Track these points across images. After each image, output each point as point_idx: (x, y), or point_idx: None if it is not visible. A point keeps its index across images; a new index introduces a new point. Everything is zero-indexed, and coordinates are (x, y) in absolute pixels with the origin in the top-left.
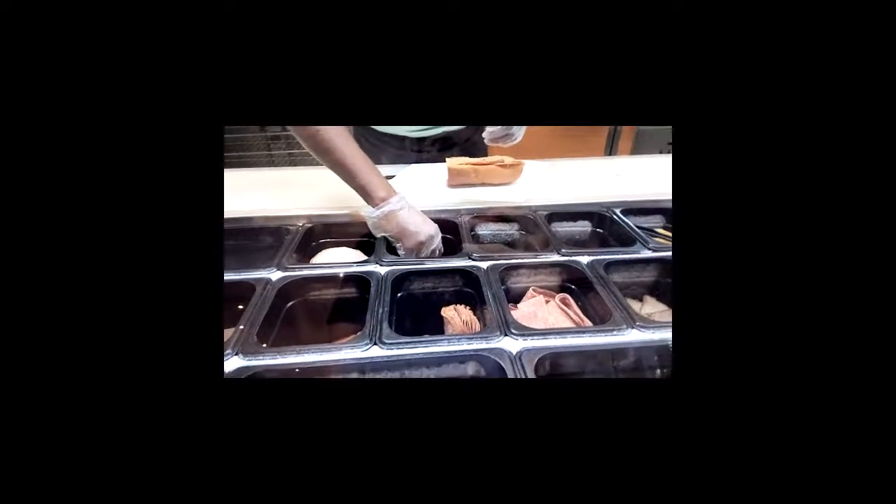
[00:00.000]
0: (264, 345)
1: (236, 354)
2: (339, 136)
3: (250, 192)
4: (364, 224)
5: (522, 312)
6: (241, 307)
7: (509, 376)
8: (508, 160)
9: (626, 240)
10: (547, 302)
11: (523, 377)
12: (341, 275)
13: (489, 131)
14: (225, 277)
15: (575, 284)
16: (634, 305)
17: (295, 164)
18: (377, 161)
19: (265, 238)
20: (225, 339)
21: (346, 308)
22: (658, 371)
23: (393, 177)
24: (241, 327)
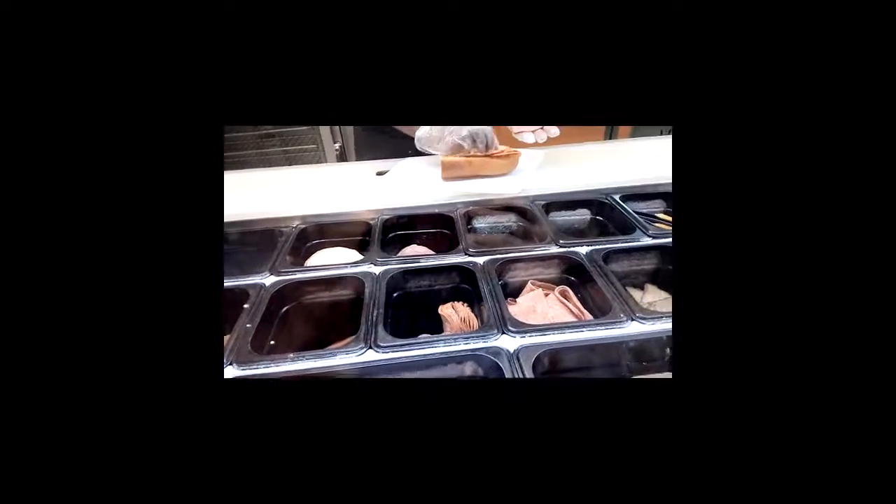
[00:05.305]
0: (259, 353)
1: (230, 364)
2: None
3: (242, 194)
4: (359, 223)
5: (521, 307)
6: (236, 313)
7: (507, 375)
8: (503, 150)
9: (626, 227)
10: (546, 295)
11: (517, 377)
12: (335, 277)
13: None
14: None
15: (574, 276)
16: (636, 294)
17: (291, 163)
18: (374, 153)
19: (258, 241)
20: None
21: (343, 310)
22: (660, 363)
23: (387, 171)
24: (236, 336)
